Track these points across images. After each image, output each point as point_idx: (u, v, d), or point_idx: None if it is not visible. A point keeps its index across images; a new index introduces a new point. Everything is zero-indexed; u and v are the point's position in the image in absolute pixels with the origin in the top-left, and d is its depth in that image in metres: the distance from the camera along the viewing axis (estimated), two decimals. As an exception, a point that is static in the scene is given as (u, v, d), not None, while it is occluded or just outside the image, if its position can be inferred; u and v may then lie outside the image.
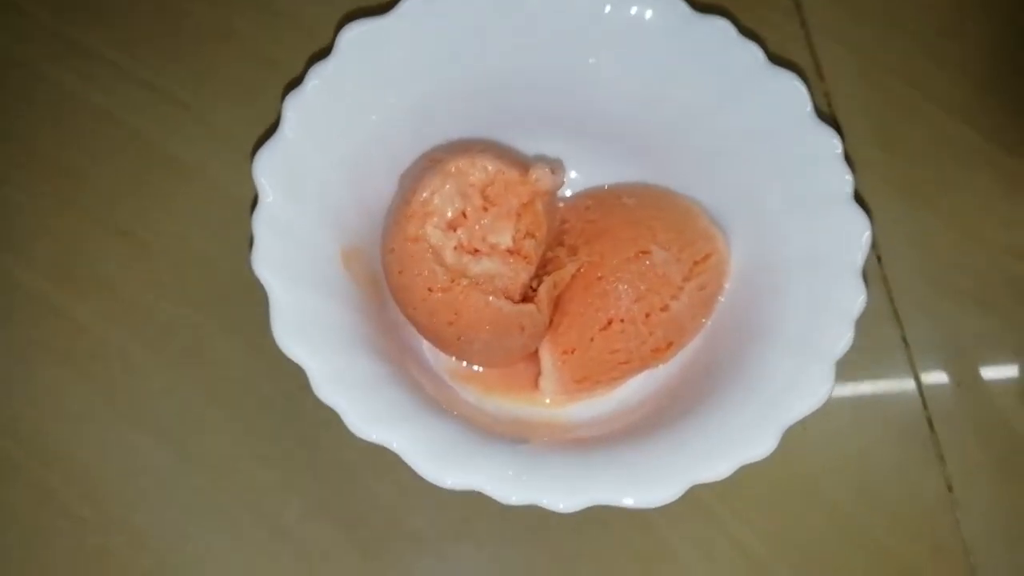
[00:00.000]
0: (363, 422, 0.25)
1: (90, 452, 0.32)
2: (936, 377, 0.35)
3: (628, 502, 0.25)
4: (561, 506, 0.25)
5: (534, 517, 0.30)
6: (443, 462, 0.25)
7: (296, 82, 0.29)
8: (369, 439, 0.25)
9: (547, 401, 0.31)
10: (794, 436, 0.26)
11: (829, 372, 0.27)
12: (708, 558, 0.32)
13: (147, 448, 0.32)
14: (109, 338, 0.34)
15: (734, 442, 0.26)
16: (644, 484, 0.25)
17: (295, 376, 0.32)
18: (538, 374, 0.31)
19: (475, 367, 0.32)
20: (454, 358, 0.32)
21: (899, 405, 0.34)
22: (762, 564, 0.32)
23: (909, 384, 0.35)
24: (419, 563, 0.31)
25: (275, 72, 0.37)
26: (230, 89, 0.37)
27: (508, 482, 0.25)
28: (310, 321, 0.26)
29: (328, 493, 0.32)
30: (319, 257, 0.28)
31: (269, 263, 0.27)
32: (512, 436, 0.28)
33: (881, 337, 0.35)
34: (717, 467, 0.25)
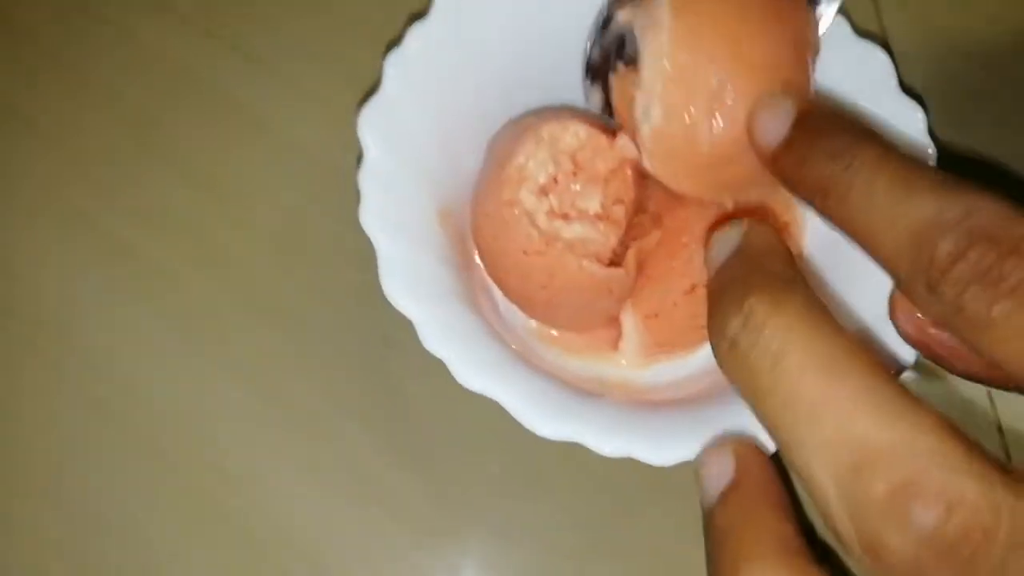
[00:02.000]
0: (469, 372, 0.26)
1: (175, 390, 0.34)
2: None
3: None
4: (654, 459, 0.26)
5: (610, 469, 0.32)
6: (542, 413, 0.26)
7: (394, 43, 0.30)
8: (473, 388, 0.26)
9: (623, 363, 0.33)
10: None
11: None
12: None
13: (232, 391, 0.34)
14: (194, 283, 0.35)
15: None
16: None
17: (377, 327, 0.34)
18: (616, 337, 0.32)
19: (556, 331, 0.33)
20: (535, 322, 0.33)
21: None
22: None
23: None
24: (492, 508, 0.33)
25: (361, 33, 0.37)
26: (316, 48, 0.38)
27: (604, 433, 0.26)
28: (414, 275, 0.27)
29: (407, 441, 0.33)
30: (418, 213, 0.29)
31: (375, 217, 0.28)
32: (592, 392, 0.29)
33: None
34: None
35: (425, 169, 0.30)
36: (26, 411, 0.33)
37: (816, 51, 0.30)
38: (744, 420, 0.27)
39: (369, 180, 0.28)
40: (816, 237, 0.32)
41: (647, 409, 0.28)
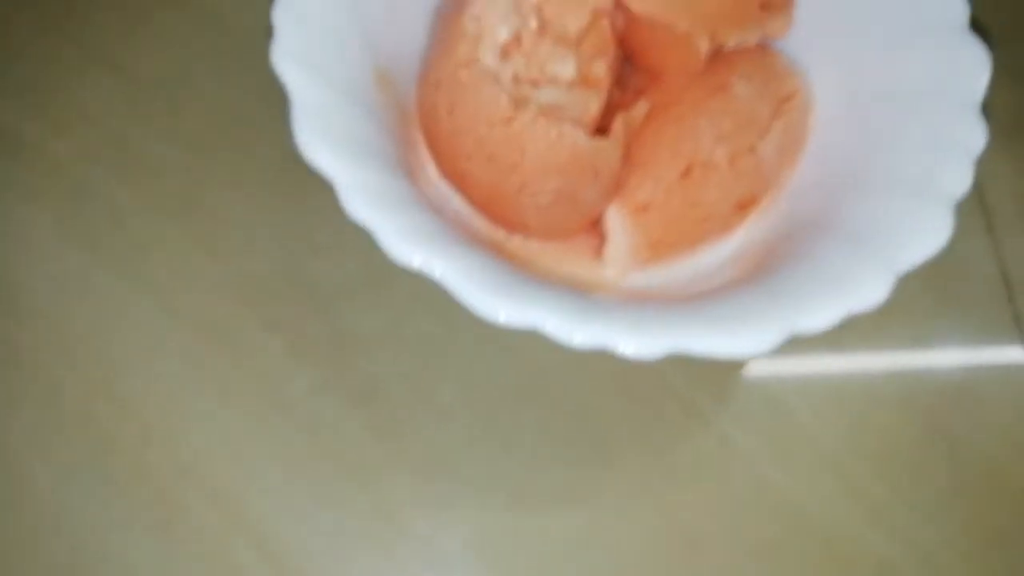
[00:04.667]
0: (403, 242, 0.20)
1: (67, 305, 0.28)
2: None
3: (716, 348, 0.21)
4: (633, 349, 0.20)
5: (575, 388, 0.27)
6: (496, 293, 0.20)
7: None
8: (409, 262, 0.21)
9: (609, 274, 0.27)
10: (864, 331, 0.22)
11: (947, 215, 0.22)
12: (774, 449, 0.28)
13: (133, 305, 0.28)
14: (91, 179, 0.29)
15: (841, 288, 0.21)
16: (736, 330, 0.21)
17: (305, 235, 0.28)
18: (598, 244, 0.27)
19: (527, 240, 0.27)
20: (504, 231, 0.27)
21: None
22: (837, 459, 0.28)
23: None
24: (440, 437, 0.27)
25: None
26: None
27: (574, 318, 0.20)
28: (338, 128, 0.22)
29: (339, 364, 0.28)
30: (350, 63, 0.24)
31: (292, 57, 0.22)
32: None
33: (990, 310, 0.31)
34: (821, 314, 0.21)
35: (362, 14, 0.24)
36: None
37: None
38: (745, 305, 0.22)
39: (285, 12, 0.23)
40: (829, 112, 0.27)
41: (632, 302, 0.23)
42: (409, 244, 0.21)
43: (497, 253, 0.25)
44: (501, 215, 0.26)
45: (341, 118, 0.22)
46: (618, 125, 0.25)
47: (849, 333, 0.24)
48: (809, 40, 0.28)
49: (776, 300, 0.21)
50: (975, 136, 0.23)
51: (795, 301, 0.21)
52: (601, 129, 0.25)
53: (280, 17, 0.23)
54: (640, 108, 0.26)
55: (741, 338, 0.21)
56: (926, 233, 0.22)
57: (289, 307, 0.28)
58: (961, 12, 0.25)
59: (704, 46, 0.25)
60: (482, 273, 0.21)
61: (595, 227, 0.27)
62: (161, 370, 0.28)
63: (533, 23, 0.25)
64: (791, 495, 0.27)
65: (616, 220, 0.27)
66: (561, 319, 0.20)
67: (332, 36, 0.23)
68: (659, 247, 0.27)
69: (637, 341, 0.20)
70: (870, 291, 0.22)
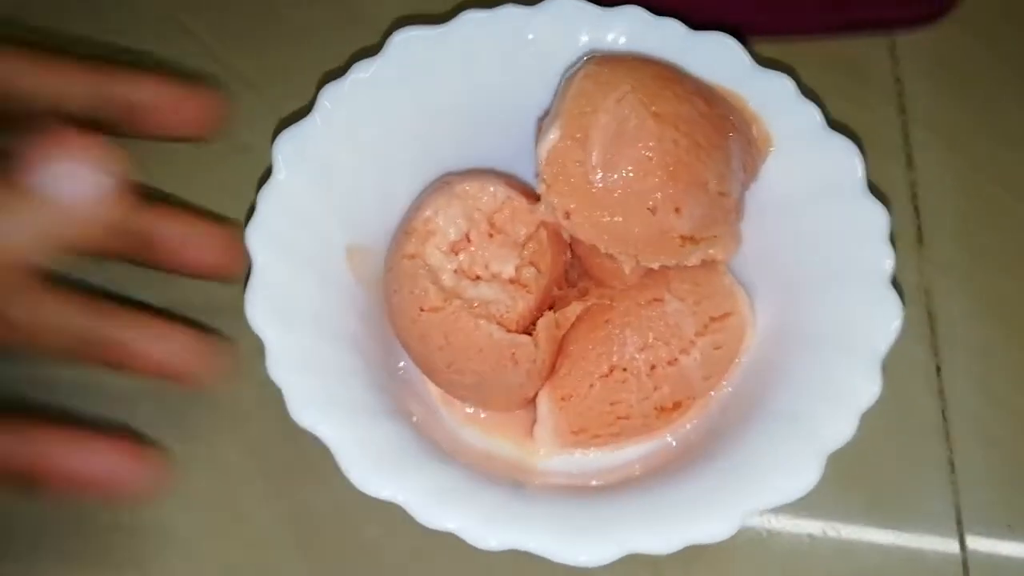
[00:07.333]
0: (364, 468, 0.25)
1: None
2: (981, 528, 0.30)
3: (560, 558, 0.23)
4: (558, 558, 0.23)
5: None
6: (442, 508, 0.24)
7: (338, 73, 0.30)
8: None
9: (540, 452, 0.29)
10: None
11: (819, 463, 0.24)
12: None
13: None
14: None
15: (692, 519, 0.23)
16: (576, 546, 0.23)
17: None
18: (534, 421, 0.30)
19: (471, 409, 0.30)
20: (451, 397, 0.30)
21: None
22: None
23: (953, 545, 0.30)
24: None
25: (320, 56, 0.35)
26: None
27: (485, 525, 0.24)
28: (288, 300, 0.27)
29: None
30: (319, 238, 0.28)
31: (262, 234, 0.27)
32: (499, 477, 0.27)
33: (929, 470, 0.31)
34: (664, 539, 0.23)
35: (340, 201, 0.29)
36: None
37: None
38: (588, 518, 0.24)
39: (269, 198, 0.27)
40: (764, 329, 0.29)
41: (543, 500, 0.25)
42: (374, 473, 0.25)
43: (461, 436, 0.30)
44: (439, 383, 0.30)
45: (295, 291, 0.26)
46: (541, 325, 0.28)
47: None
48: (757, 264, 0.30)
49: (620, 520, 0.24)
50: (868, 392, 0.24)
51: (641, 523, 0.23)
52: (532, 324, 0.28)
53: (263, 199, 0.27)
54: (573, 309, 0.29)
55: (581, 553, 0.23)
56: (796, 478, 0.23)
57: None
58: (886, 265, 0.26)
59: (628, 265, 0.27)
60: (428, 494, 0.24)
61: (532, 405, 0.30)
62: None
63: (484, 226, 0.28)
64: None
65: (544, 404, 0.29)
66: (474, 528, 0.24)
67: (306, 218, 0.28)
68: (580, 435, 0.29)
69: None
70: (718, 528, 0.23)
